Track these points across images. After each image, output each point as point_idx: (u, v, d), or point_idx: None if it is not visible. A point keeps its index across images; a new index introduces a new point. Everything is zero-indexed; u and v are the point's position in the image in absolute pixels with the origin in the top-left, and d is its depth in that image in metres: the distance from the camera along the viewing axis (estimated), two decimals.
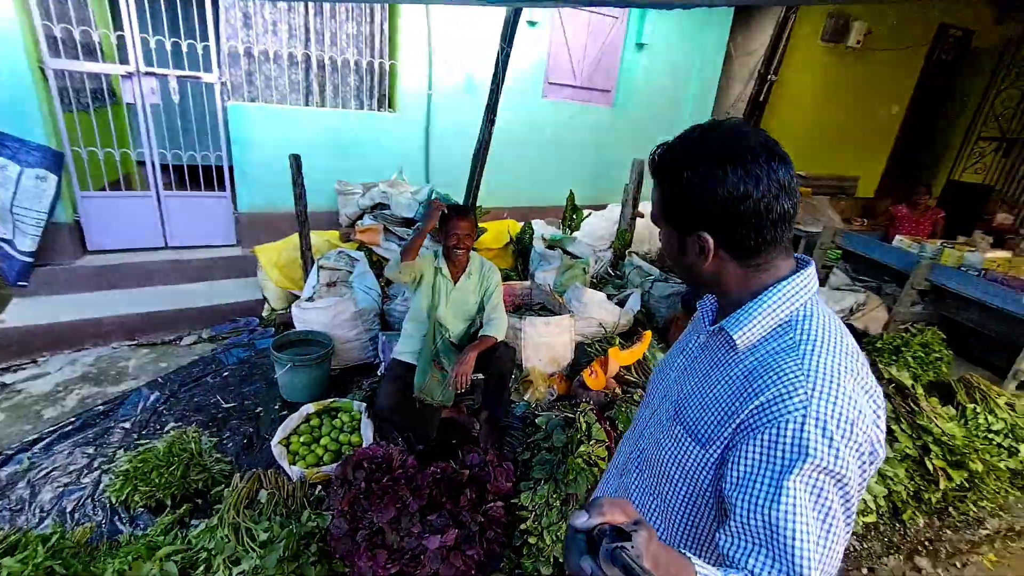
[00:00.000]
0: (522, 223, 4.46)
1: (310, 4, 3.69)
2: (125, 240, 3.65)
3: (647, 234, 5.30)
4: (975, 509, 2.40)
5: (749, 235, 0.73)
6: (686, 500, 0.80)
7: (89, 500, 2.15)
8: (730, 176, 0.71)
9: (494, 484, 1.93)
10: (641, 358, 3.08)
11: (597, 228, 4.96)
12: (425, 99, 4.29)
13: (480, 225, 4.04)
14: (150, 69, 3.44)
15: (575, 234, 4.56)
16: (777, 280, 0.76)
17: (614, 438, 2.11)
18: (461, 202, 3.98)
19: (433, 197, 3.76)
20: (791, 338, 0.72)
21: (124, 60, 3.38)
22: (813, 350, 0.69)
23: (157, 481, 2.11)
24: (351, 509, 1.90)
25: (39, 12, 3.03)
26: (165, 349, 3.28)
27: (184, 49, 3.45)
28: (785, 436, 0.65)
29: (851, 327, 3.68)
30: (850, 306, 4.09)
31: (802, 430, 0.64)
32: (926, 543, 2.39)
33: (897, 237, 4.31)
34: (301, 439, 2.44)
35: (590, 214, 4.65)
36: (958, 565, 2.39)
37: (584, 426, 2.07)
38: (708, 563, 0.62)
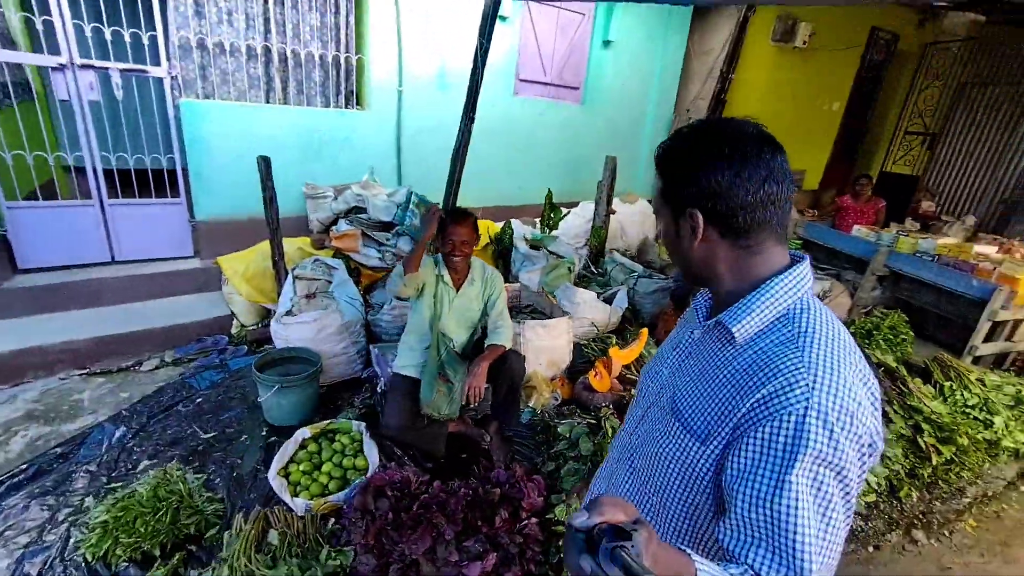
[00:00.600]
0: (497, 223, 4.37)
1: None
2: (64, 256, 3.22)
3: (620, 230, 5.36)
4: (958, 480, 2.58)
5: (736, 213, 0.74)
6: (684, 496, 0.80)
7: (58, 561, 1.86)
8: (716, 154, 0.74)
9: (529, 500, 1.84)
10: (638, 356, 3.09)
11: (572, 226, 4.95)
12: (395, 96, 4.09)
13: None
14: (87, 61, 3.04)
15: (554, 233, 4.52)
16: (773, 272, 0.77)
17: None
18: (440, 204, 3.84)
19: (413, 200, 3.59)
20: (790, 331, 0.73)
21: (54, 50, 2.97)
22: (812, 343, 0.70)
23: (143, 531, 1.86)
24: (377, 542, 1.75)
25: None
26: (124, 377, 2.93)
27: (127, 39, 3.08)
28: (787, 429, 0.66)
29: None
30: (817, 293, 4.31)
31: (803, 423, 0.65)
32: (920, 516, 2.55)
33: (856, 227, 4.59)
34: (301, 467, 2.24)
35: (568, 212, 4.63)
36: (947, 534, 2.57)
37: (610, 431, 2.02)
38: (708, 558, 0.63)
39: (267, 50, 3.54)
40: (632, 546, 0.51)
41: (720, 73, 5.39)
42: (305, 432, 2.41)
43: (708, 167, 0.74)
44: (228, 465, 2.37)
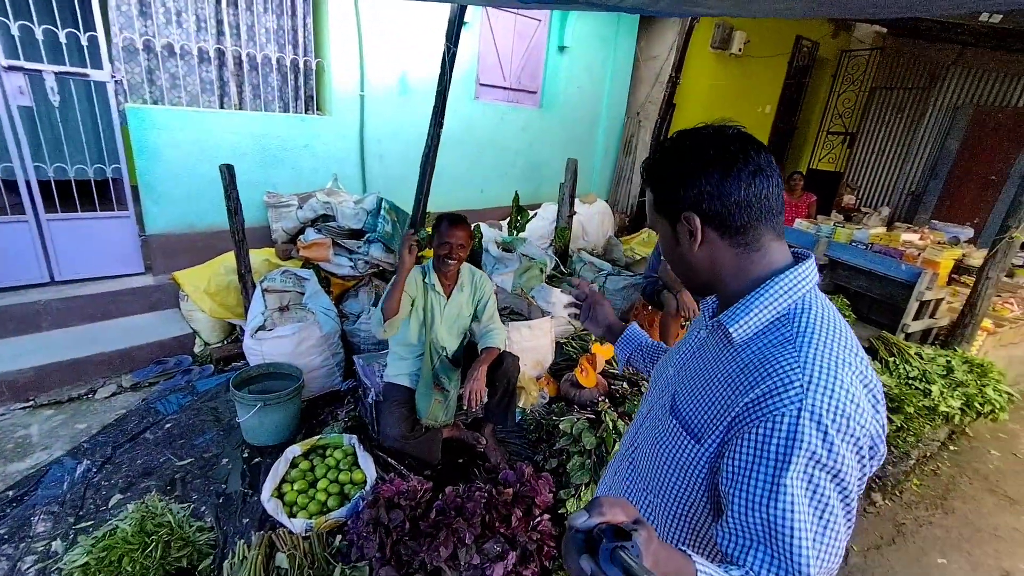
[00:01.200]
0: None
1: None
2: None
3: (582, 231, 5.52)
4: (905, 444, 2.87)
5: (731, 211, 0.75)
6: (680, 495, 0.81)
7: None
8: (703, 157, 0.76)
9: (541, 498, 1.88)
10: None
11: (536, 228, 5.04)
12: (358, 101, 3.99)
13: (429, 230, 3.88)
14: (15, 63, 2.76)
15: (521, 235, 4.58)
16: (774, 271, 0.76)
17: None
18: (409, 211, 3.80)
19: (385, 206, 3.53)
20: (788, 331, 0.72)
21: None
22: (810, 343, 0.69)
23: (130, 569, 1.72)
24: (394, 553, 1.73)
25: None
26: (77, 407, 2.68)
27: (63, 40, 2.83)
28: (780, 430, 0.65)
29: None
30: None
31: (797, 424, 0.64)
32: (877, 480, 2.82)
33: (796, 220, 4.97)
34: (296, 487, 2.15)
35: (535, 214, 4.70)
36: (899, 493, 2.85)
37: (611, 424, 2.10)
38: (705, 557, 0.63)
39: (220, 53, 3.35)
40: (632, 546, 0.50)
41: (669, 78, 5.66)
42: (295, 450, 2.32)
43: (697, 171, 0.76)
44: (212, 491, 2.23)
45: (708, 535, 0.80)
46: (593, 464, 2.00)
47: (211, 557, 1.90)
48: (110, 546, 1.75)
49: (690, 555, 0.59)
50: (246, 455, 2.47)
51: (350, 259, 3.49)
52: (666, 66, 5.90)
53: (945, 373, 3.08)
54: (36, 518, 2.03)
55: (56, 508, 2.07)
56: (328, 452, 2.37)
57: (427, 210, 3.86)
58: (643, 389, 2.72)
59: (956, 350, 3.38)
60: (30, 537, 1.95)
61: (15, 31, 2.73)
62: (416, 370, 2.38)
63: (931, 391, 2.90)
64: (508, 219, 4.56)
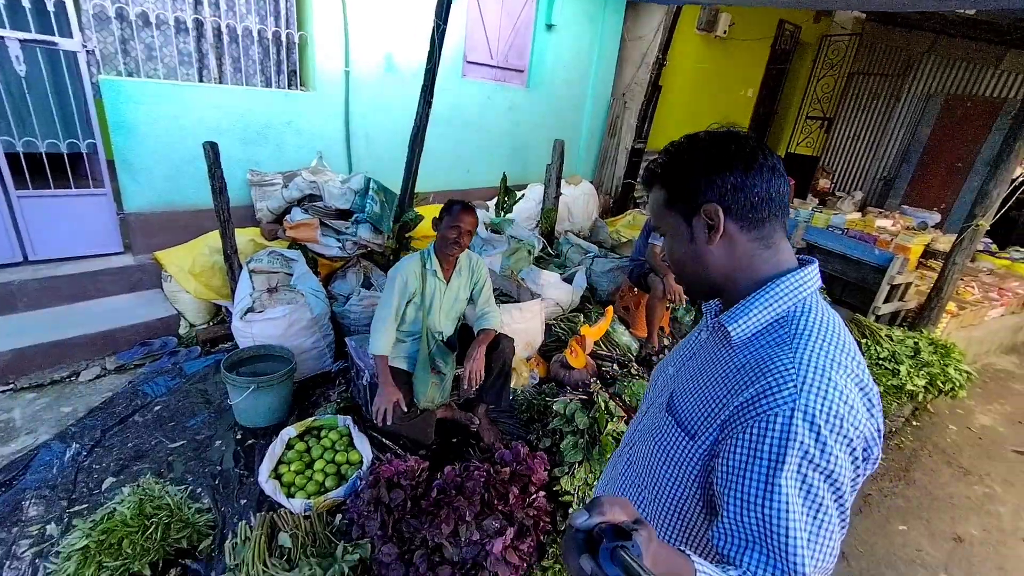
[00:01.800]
0: None
1: None
2: None
3: (567, 212, 5.54)
4: None
5: (754, 205, 0.76)
6: (674, 492, 0.81)
7: None
8: (727, 153, 0.77)
9: (537, 476, 1.95)
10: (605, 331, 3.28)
11: (523, 209, 5.04)
12: (342, 77, 3.88)
13: (416, 211, 3.86)
14: None
15: (509, 216, 4.58)
16: (780, 272, 0.77)
17: (629, 412, 2.26)
18: (398, 191, 3.75)
19: (373, 187, 3.48)
20: (786, 332, 0.72)
21: None
22: (806, 344, 0.70)
23: (130, 551, 1.73)
24: (396, 531, 1.78)
25: None
26: (60, 390, 2.63)
27: (26, 4, 2.66)
28: (774, 430, 0.65)
29: None
30: None
31: (790, 424, 0.64)
32: None
33: None
34: (293, 468, 2.17)
35: (522, 195, 4.70)
36: None
37: (603, 405, 2.17)
38: (700, 555, 0.63)
39: (198, 23, 3.21)
40: (632, 546, 0.51)
41: (656, 59, 5.65)
42: (290, 431, 2.34)
43: (722, 163, 0.76)
44: (207, 473, 2.24)
45: (701, 533, 0.81)
46: (586, 444, 2.08)
47: (210, 538, 1.92)
48: (109, 529, 1.75)
49: (689, 555, 0.60)
50: (239, 437, 2.47)
51: (338, 240, 3.44)
52: (652, 47, 5.88)
53: (912, 354, 3.25)
54: (27, 502, 2.01)
55: (47, 492, 2.05)
56: (323, 433, 2.39)
57: (415, 190, 3.82)
58: (631, 371, 2.81)
59: (922, 331, 3.56)
60: (23, 521, 1.94)
61: None
62: (413, 352, 2.40)
63: (899, 371, 3.07)
64: (495, 200, 4.55)
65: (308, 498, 2.04)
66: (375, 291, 3.27)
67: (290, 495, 2.07)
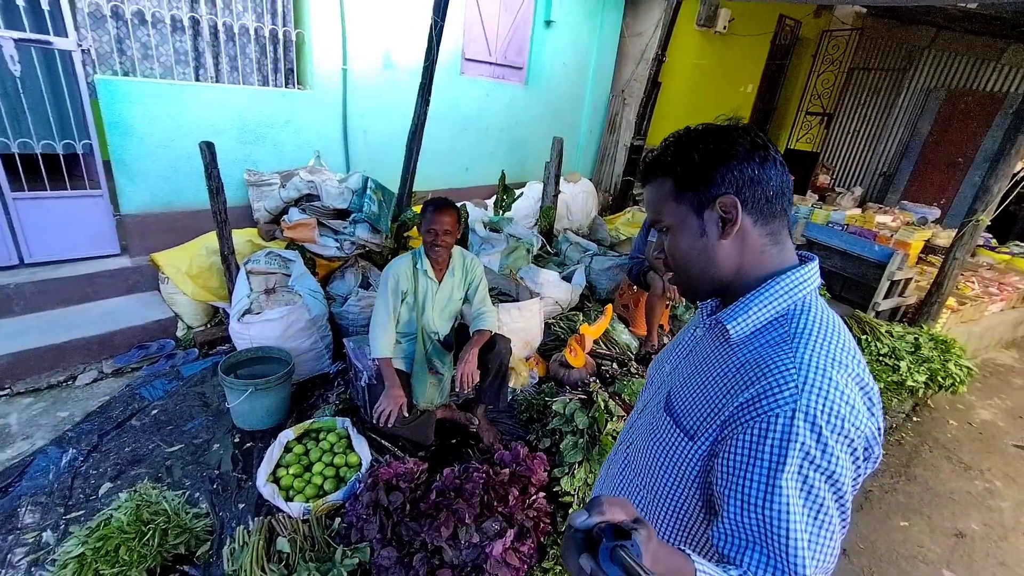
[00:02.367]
0: None
1: None
2: None
3: (566, 210, 5.53)
4: None
5: (770, 198, 0.74)
6: (673, 491, 0.81)
7: None
8: (744, 144, 0.74)
9: (537, 477, 1.94)
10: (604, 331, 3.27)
11: (521, 207, 5.02)
12: (340, 75, 3.86)
13: (415, 210, 3.84)
14: None
15: (507, 215, 4.57)
16: (782, 269, 0.76)
17: (628, 411, 2.24)
18: (396, 190, 3.73)
19: (371, 186, 3.46)
20: (785, 331, 0.72)
21: None
22: (806, 344, 0.69)
23: (127, 558, 1.72)
24: (395, 535, 1.77)
25: None
26: (57, 394, 2.61)
27: (21, 3, 2.63)
28: (774, 431, 0.65)
29: None
30: None
31: (791, 424, 0.64)
32: None
33: None
34: (291, 471, 2.16)
35: (521, 193, 4.68)
36: None
37: (602, 404, 2.16)
38: (699, 555, 0.63)
39: (195, 21, 3.18)
40: (632, 546, 0.50)
41: (655, 55, 5.62)
42: (288, 434, 2.32)
43: (740, 154, 0.73)
44: (205, 477, 2.22)
45: (699, 533, 0.80)
46: (586, 444, 2.06)
47: (209, 543, 1.91)
48: (106, 535, 1.74)
49: (689, 555, 0.59)
50: (237, 440, 2.46)
51: (336, 240, 3.43)
52: (652, 43, 5.85)
53: (913, 350, 3.25)
54: (23, 509, 1.99)
55: (43, 498, 2.04)
56: (322, 436, 2.38)
57: (413, 189, 3.81)
58: (631, 370, 2.79)
59: (922, 327, 3.56)
60: (18, 528, 1.92)
61: None
62: (410, 353, 2.39)
63: (899, 367, 3.06)
64: (494, 198, 4.53)
65: (307, 501, 2.03)
66: (373, 291, 3.25)
67: (288, 499, 2.06)
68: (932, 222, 5.82)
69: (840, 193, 7.64)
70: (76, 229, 3.09)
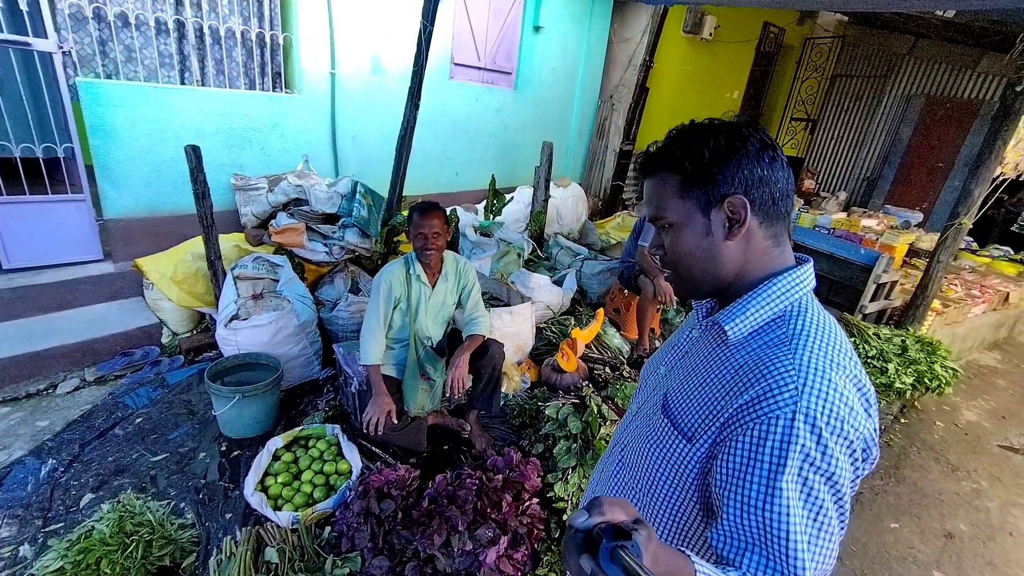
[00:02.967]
0: None
1: None
2: None
3: (556, 215, 5.53)
4: None
5: (776, 198, 0.73)
6: (670, 494, 0.80)
7: None
8: (754, 142, 0.72)
9: (531, 483, 1.92)
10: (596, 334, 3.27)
11: (512, 212, 5.02)
12: (328, 79, 3.83)
13: (405, 214, 3.81)
14: None
15: (498, 219, 4.56)
16: (779, 270, 0.76)
17: (621, 415, 2.24)
18: (386, 195, 3.70)
19: (360, 190, 3.44)
20: (784, 333, 0.71)
21: None
22: (805, 345, 0.69)
23: (110, 571, 1.67)
24: (387, 543, 1.74)
25: None
26: (36, 403, 2.54)
27: None
28: (775, 433, 0.64)
29: None
30: None
31: (791, 427, 0.64)
32: None
33: None
34: (280, 479, 2.12)
35: (511, 198, 4.68)
36: None
37: (595, 408, 2.15)
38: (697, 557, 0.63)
39: (180, 24, 3.14)
40: (632, 546, 0.50)
41: (643, 61, 5.67)
42: (277, 442, 2.28)
43: (751, 155, 0.72)
44: (191, 487, 2.17)
45: (695, 535, 0.80)
46: (580, 448, 2.05)
47: (195, 554, 1.87)
48: (87, 548, 1.68)
49: (689, 555, 0.59)
50: (224, 448, 2.41)
51: (325, 244, 3.39)
52: (639, 49, 5.91)
53: (900, 352, 3.29)
54: (0, 520, 1.93)
55: (21, 511, 1.98)
56: (311, 443, 2.34)
57: (403, 194, 3.78)
58: (623, 374, 2.79)
59: (909, 329, 3.60)
60: None
61: None
62: (402, 359, 2.36)
63: (888, 369, 3.09)
64: (484, 203, 4.53)
65: (296, 510, 1.99)
66: (363, 296, 3.22)
67: (277, 508, 2.01)
68: (915, 226, 5.93)
69: (825, 198, 7.76)
70: (57, 234, 3.02)
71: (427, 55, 3.29)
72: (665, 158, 0.77)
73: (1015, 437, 3.50)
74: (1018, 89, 3.21)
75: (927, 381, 3.20)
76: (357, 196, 3.43)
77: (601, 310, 3.29)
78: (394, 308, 2.27)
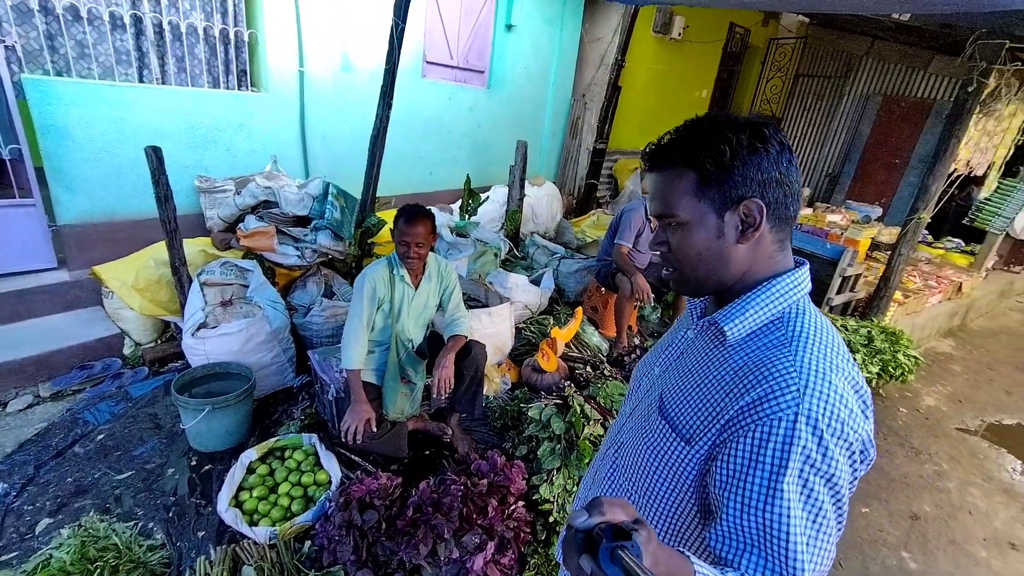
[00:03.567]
0: None
1: None
2: None
3: (531, 213, 5.53)
4: None
5: (789, 200, 0.73)
6: (667, 496, 0.80)
7: None
8: (772, 141, 0.70)
9: (516, 486, 1.90)
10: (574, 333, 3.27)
11: (487, 211, 4.98)
12: (297, 77, 3.71)
13: (379, 216, 3.74)
14: None
15: (474, 219, 4.52)
16: (778, 272, 0.76)
17: (604, 414, 2.24)
18: (359, 196, 3.62)
19: (332, 191, 3.35)
20: (783, 334, 0.71)
21: None
22: (805, 347, 0.69)
23: None
24: (371, 555, 1.69)
25: None
26: None
27: None
28: (776, 435, 0.65)
29: None
30: None
31: (793, 429, 0.64)
32: None
33: None
34: (255, 493, 2.05)
35: (487, 197, 4.64)
36: None
37: (578, 408, 2.15)
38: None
39: (137, 19, 2.98)
40: (632, 546, 0.50)
41: (615, 60, 5.72)
42: (251, 454, 2.20)
43: (773, 156, 0.70)
44: (159, 505, 2.07)
45: (693, 536, 0.80)
46: (564, 449, 2.05)
47: None
48: None
49: (688, 556, 0.59)
50: (194, 463, 2.31)
51: (296, 248, 3.29)
52: (611, 48, 5.95)
53: (866, 342, 3.41)
54: None
55: None
56: (287, 454, 2.27)
57: (376, 194, 3.70)
58: (604, 372, 2.80)
59: (873, 320, 3.75)
60: None
61: None
62: (382, 364, 2.31)
63: (855, 359, 3.20)
64: (459, 203, 4.48)
65: (273, 525, 1.92)
66: (337, 300, 3.14)
67: (253, 523, 1.94)
68: (875, 220, 6.17)
69: None
70: (6, 241, 2.83)
71: (399, 53, 3.23)
72: (680, 152, 0.74)
73: (970, 420, 3.68)
74: (970, 90, 3.37)
75: (891, 369, 3.33)
76: (329, 197, 3.34)
77: (580, 309, 3.30)
78: (377, 309, 2.22)
